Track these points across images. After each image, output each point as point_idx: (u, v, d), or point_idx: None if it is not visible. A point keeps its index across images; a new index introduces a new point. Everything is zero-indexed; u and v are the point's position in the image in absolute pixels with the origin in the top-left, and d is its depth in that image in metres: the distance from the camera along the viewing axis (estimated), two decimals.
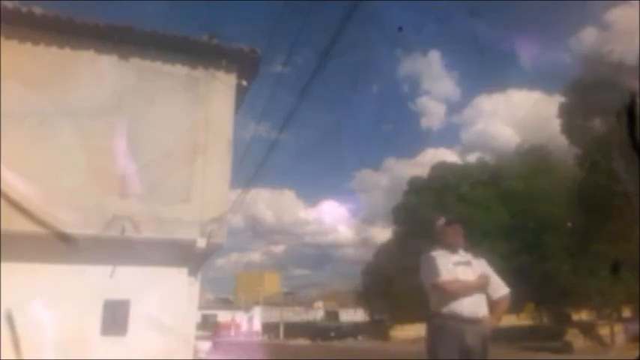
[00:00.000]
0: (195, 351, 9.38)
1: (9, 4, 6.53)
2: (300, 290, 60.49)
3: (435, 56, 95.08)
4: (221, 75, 7.61)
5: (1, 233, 5.56)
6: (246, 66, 7.86)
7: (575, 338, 21.82)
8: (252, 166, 10.53)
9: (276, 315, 48.34)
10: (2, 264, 5.71)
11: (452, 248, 3.91)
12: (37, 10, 6.72)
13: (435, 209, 25.10)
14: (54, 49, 6.84)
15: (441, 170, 32.89)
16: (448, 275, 3.73)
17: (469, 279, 3.76)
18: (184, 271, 7.28)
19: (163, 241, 6.77)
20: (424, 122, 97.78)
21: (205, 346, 16.72)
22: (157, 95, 7.26)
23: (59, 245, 5.99)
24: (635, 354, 14.26)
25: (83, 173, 6.47)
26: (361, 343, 34.99)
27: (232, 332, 44.39)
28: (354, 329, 40.83)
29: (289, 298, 54.58)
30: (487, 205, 28.17)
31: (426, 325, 3.93)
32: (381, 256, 35.54)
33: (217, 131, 7.39)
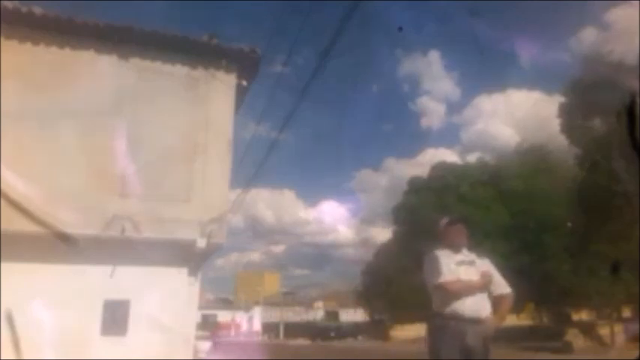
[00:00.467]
0: (195, 351, 9.38)
1: (9, 4, 6.53)
2: (300, 290, 60.59)
3: (435, 56, 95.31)
4: (221, 75, 7.61)
5: (1, 233, 5.56)
6: (246, 66, 7.86)
7: (575, 338, 21.82)
8: (252, 166, 10.52)
9: (276, 315, 48.34)
10: (2, 264, 5.71)
11: (455, 248, 3.90)
12: (37, 10, 6.72)
13: (435, 209, 25.10)
14: (54, 49, 6.84)
15: (441, 170, 32.86)
16: (451, 275, 3.72)
17: (472, 279, 3.75)
18: (184, 271, 7.28)
19: (163, 241, 6.77)
20: (424, 122, 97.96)
21: (205, 346, 16.71)
22: (157, 95, 7.26)
23: (59, 245, 5.98)
24: (635, 354, 14.26)
25: (83, 173, 6.47)
26: (361, 343, 34.99)
27: (232, 332, 44.40)
28: (354, 329, 40.82)
29: (289, 298, 54.57)
30: (487, 205, 28.15)
31: (427, 325, 3.92)
32: (381, 256, 35.53)
33: (217, 131, 7.39)
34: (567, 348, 19.95)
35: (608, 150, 18.38)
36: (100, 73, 6.98)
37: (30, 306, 5.94)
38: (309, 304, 55.38)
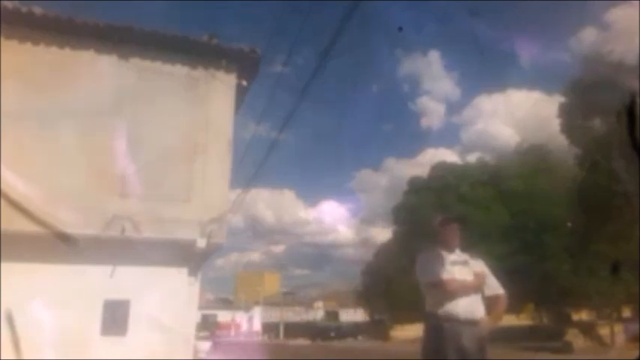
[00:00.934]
0: (195, 351, 9.38)
1: (9, 4, 6.53)
2: (300, 290, 60.56)
3: (435, 56, 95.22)
4: (221, 75, 7.61)
5: (1, 233, 5.56)
6: (246, 66, 7.86)
7: (575, 338, 21.82)
8: (252, 166, 10.51)
9: (276, 315, 48.34)
10: (2, 264, 5.71)
11: (449, 247, 3.86)
12: (37, 10, 6.72)
13: (435, 209, 25.08)
14: (54, 49, 6.84)
15: (441, 170, 32.87)
16: (444, 275, 3.69)
17: (466, 279, 3.72)
18: (184, 271, 7.28)
19: (163, 241, 6.77)
20: (424, 122, 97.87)
21: (205, 346, 16.72)
22: (157, 95, 7.26)
23: (59, 245, 5.98)
24: (635, 354, 14.27)
25: (83, 173, 6.47)
26: (361, 343, 34.99)
27: (232, 332, 44.42)
28: (354, 329, 40.81)
29: (289, 298, 54.56)
30: (487, 205, 28.15)
31: (424, 325, 3.91)
32: (381, 256, 35.52)
33: (217, 131, 7.39)
34: (567, 348, 19.96)
35: (608, 150, 18.38)
36: (100, 73, 6.98)
37: (30, 306, 5.94)
38: (309, 304, 55.35)
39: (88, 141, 6.63)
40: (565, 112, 23.14)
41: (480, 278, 3.79)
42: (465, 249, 3.96)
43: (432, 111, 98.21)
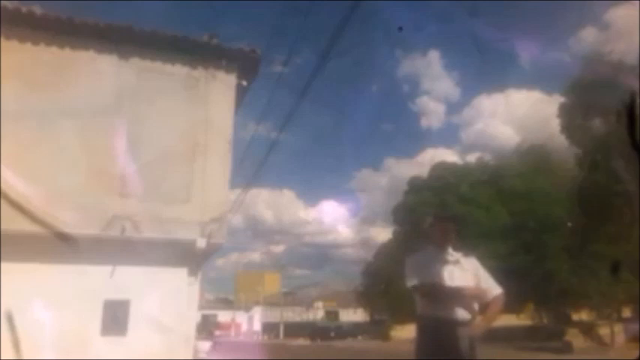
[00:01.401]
0: (195, 351, 9.38)
1: (9, 4, 6.53)
2: (300, 290, 60.51)
3: (435, 56, 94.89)
4: (221, 75, 7.61)
5: (1, 233, 5.56)
6: (246, 66, 7.86)
7: (575, 338, 21.81)
8: (252, 166, 10.53)
9: (276, 315, 48.38)
10: (2, 264, 5.71)
11: (441, 247, 3.78)
12: (37, 10, 6.72)
13: (435, 209, 25.09)
14: (54, 49, 6.83)
15: (441, 170, 32.89)
16: (432, 277, 3.62)
17: (455, 280, 3.63)
18: (184, 271, 7.27)
19: (163, 241, 6.77)
20: (424, 122, 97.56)
21: (205, 346, 16.74)
22: (157, 95, 7.26)
23: (59, 245, 5.99)
24: (635, 354, 14.25)
25: (83, 173, 6.47)
26: (361, 343, 34.99)
27: (232, 332, 44.45)
28: (354, 329, 40.85)
29: (289, 298, 54.60)
30: (487, 205, 28.18)
31: (416, 327, 3.84)
32: (381, 256, 35.53)
33: (217, 131, 7.39)
34: (567, 348, 19.95)
35: (608, 150, 18.40)
36: (100, 73, 6.97)
37: (30, 306, 5.94)
38: (309, 304, 55.37)
39: (88, 141, 6.63)
40: (565, 112, 23.16)
41: (474, 289, 3.65)
42: (458, 247, 3.86)
43: (432, 111, 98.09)
